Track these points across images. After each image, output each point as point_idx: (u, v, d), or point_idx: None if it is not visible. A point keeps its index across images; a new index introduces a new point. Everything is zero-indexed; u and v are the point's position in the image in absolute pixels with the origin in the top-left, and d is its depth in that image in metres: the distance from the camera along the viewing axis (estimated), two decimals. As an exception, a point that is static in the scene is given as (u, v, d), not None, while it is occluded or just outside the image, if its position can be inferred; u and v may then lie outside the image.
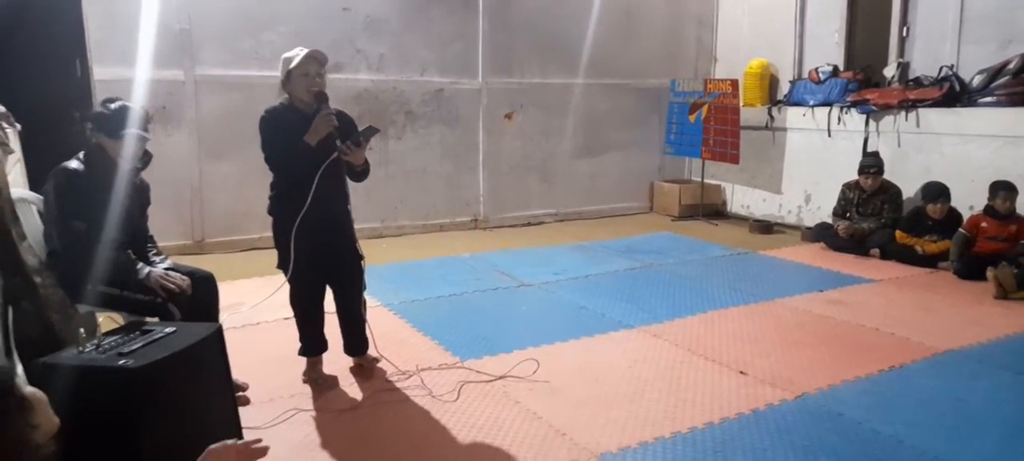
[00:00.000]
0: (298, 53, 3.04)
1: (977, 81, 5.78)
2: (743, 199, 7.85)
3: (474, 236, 6.85)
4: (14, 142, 3.38)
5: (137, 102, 3.07)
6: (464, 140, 7.12)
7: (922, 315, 4.34)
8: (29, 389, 1.42)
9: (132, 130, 2.82)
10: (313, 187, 2.95)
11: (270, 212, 3.16)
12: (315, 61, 3.06)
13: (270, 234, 3.19)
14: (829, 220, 6.30)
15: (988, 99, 5.66)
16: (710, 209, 7.88)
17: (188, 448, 2.08)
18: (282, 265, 3.13)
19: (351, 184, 3.24)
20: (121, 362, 1.91)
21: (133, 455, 1.89)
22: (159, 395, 1.95)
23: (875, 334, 3.98)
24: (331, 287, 3.28)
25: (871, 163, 6.02)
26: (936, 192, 5.57)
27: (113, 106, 2.84)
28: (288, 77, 3.07)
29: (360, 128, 3.16)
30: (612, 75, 7.79)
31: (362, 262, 3.23)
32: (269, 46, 6.02)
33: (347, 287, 3.25)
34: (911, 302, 4.64)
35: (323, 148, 3.00)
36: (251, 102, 5.91)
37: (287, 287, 3.24)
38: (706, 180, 7.88)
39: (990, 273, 4.72)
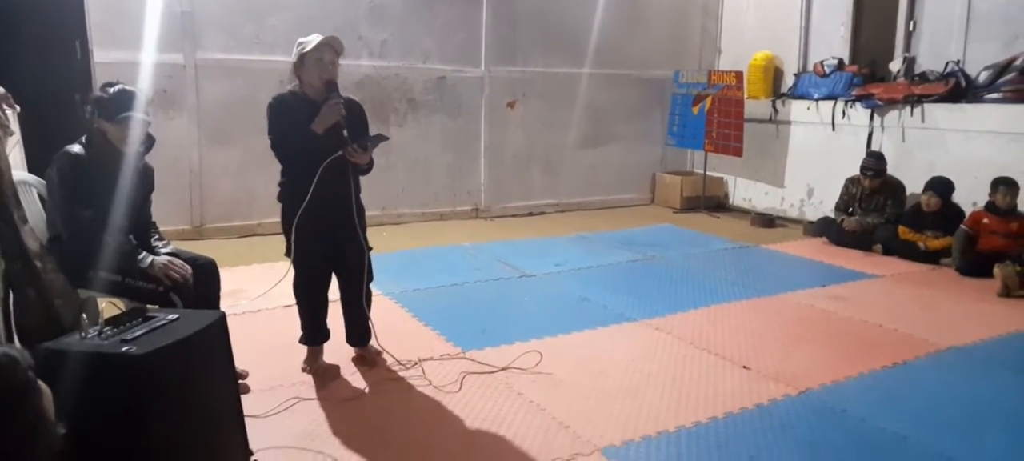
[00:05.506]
0: (314, 38, 2.99)
1: (983, 77, 5.75)
2: (745, 192, 7.83)
3: (475, 226, 6.83)
4: (14, 124, 3.34)
5: (138, 85, 3.04)
6: (466, 129, 7.09)
7: (925, 312, 4.33)
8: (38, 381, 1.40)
9: (134, 114, 2.78)
10: (316, 178, 2.93)
11: (279, 199, 3.14)
12: (330, 48, 3.00)
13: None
14: (832, 215, 6.28)
15: (994, 95, 5.64)
16: (712, 202, 7.86)
17: (191, 436, 2.07)
18: (289, 252, 3.12)
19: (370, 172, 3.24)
20: (125, 349, 1.88)
21: (136, 442, 1.87)
22: (162, 382, 1.93)
23: (878, 330, 3.97)
24: (337, 276, 3.26)
25: (871, 166, 5.96)
26: (927, 185, 5.57)
27: (113, 90, 2.80)
28: (301, 62, 3.01)
29: (370, 125, 3.14)
30: (615, 66, 7.75)
31: (369, 253, 3.21)
32: (271, 31, 5.98)
33: (352, 277, 3.22)
34: (914, 298, 4.63)
35: (329, 137, 2.96)
36: (252, 88, 5.90)
37: (286, 277, 3.21)
38: (708, 172, 7.85)
39: (997, 270, 4.71)
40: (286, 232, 3.09)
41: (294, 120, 2.97)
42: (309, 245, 3.07)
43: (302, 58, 3.01)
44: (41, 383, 1.40)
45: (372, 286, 3.32)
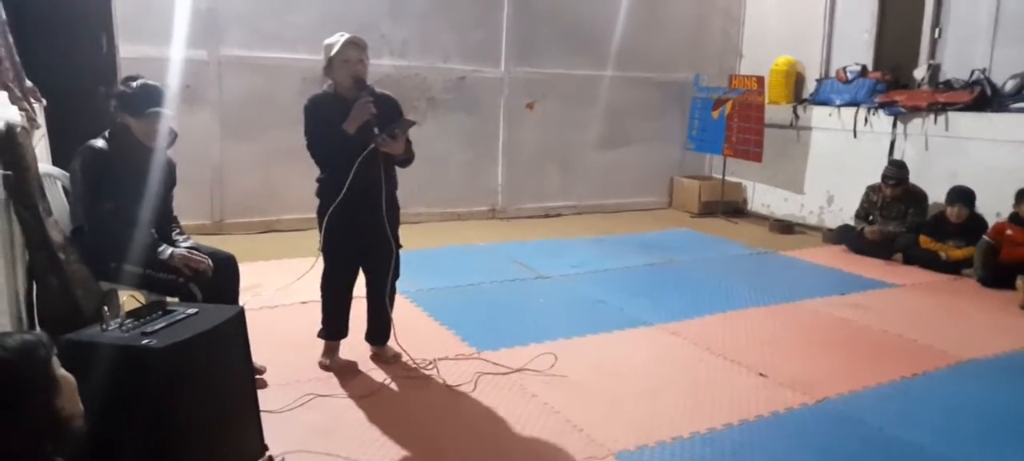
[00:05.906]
0: (338, 39, 3.04)
1: (1010, 85, 5.67)
2: (764, 198, 7.77)
3: (491, 226, 6.84)
4: (40, 117, 3.40)
5: (163, 80, 3.07)
6: (484, 129, 7.09)
7: (945, 322, 4.28)
8: (61, 371, 1.42)
9: (162, 110, 2.82)
10: (351, 175, 2.96)
11: (317, 195, 3.18)
12: (355, 46, 3.05)
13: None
14: (852, 222, 6.22)
15: (1020, 104, 5.55)
16: (730, 207, 7.81)
17: (210, 429, 2.09)
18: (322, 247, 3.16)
19: (400, 170, 3.26)
20: (145, 342, 1.91)
21: (155, 435, 1.89)
22: (181, 376, 1.95)
23: (897, 340, 3.93)
24: (364, 272, 3.29)
25: (892, 175, 5.87)
26: (953, 196, 5.49)
27: (135, 84, 2.84)
28: (329, 64, 3.07)
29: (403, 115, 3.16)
30: (635, 68, 7.71)
31: (398, 250, 3.22)
32: (293, 28, 6.02)
33: (379, 274, 3.23)
34: (934, 308, 4.57)
35: (363, 135, 2.99)
36: (274, 84, 5.94)
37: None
38: (727, 177, 7.80)
39: (1020, 282, 4.63)
40: (321, 226, 3.14)
41: (328, 120, 3.01)
42: (339, 239, 3.11)
43: (330, 61, 3.06)
44: (63, 373, 1.42)
45: (392, 284, 3.34)
